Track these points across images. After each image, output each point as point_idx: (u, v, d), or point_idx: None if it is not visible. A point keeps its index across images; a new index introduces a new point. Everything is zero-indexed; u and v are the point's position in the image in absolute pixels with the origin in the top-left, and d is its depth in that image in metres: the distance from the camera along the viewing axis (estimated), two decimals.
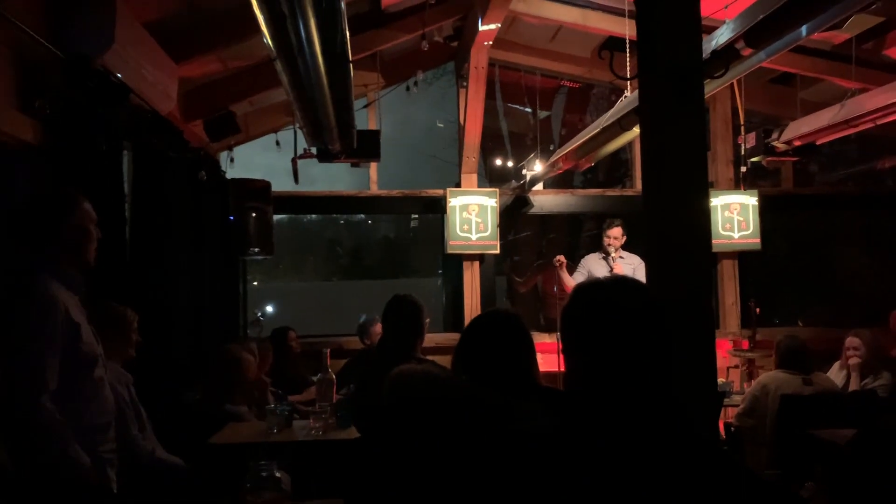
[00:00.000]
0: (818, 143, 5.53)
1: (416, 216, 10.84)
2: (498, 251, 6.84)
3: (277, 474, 2.50)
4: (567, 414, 1.33)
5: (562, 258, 6.11)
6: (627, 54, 4.37)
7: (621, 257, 6.01)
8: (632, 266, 5.89)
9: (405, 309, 3.45)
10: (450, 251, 6.77)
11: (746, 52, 3.35)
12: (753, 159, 5.98)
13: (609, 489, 1.19)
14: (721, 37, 3.43)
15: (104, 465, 2.52)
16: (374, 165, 6.92)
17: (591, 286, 1.43)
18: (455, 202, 6.70)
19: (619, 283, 1.40)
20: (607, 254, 6.03)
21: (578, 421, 1.29)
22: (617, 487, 1.19)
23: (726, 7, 4.33)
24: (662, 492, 1.19)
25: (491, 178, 9.50)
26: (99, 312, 2.89)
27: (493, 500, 1.34)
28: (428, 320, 3.50)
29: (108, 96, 3.33)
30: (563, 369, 1.41)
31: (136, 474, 3.12)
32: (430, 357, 3.32)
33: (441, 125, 13.90)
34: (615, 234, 6.01)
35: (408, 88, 6.64)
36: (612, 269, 5.92)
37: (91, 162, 3.29)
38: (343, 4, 3.09)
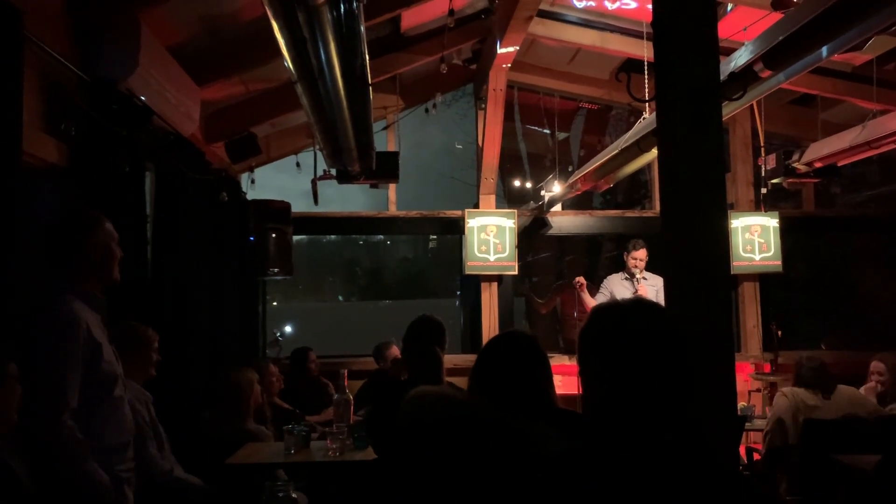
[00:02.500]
0: (839, 164, 5.48)
1: (435, 237, 10.87)
2: (516, 272, 6.82)
3: (294, 495, 2.50)
4: (582, 438, 1.32)
5: (582, 280, 6.07)
6: (646, 76, 4.39)
7: (645, 278, 5.90)
8: (655, 288, 5.78)
9: (428, 327, 3.45)
10: (468, 272, 6.77)
11: (765, 73, 3.34)
12: (774, 181, 5.93)
13: None
14: (739, 59, 3.43)
15: (122, 484, 2.53)
16: (392, 186, 6.95)
17: (609, 308, 1.42)
18: (473, 223, 6.71)
19: (638, 306, 1.39)
20: (631, 275, 5.93)
21: (593, 445, 1.28)
22: None
23: (745, 29, 4.35)
24: None
25: (509, 199, 9.51)
26: (120, 332, 2.91)
27: None
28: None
29: (132, 119, 3.39)
30: (581, 392, 1.41)
31: (154, 493, 3.13)
32: (448, 378, 3.31)
33: (459, 146, 13.97)
34: (640, 256, 5.90)
35: (427, 110, 6.70)
36: (636, 291, 5.83)
37: (114, 183, 3.33)
38: (363, 28, 3.13)
